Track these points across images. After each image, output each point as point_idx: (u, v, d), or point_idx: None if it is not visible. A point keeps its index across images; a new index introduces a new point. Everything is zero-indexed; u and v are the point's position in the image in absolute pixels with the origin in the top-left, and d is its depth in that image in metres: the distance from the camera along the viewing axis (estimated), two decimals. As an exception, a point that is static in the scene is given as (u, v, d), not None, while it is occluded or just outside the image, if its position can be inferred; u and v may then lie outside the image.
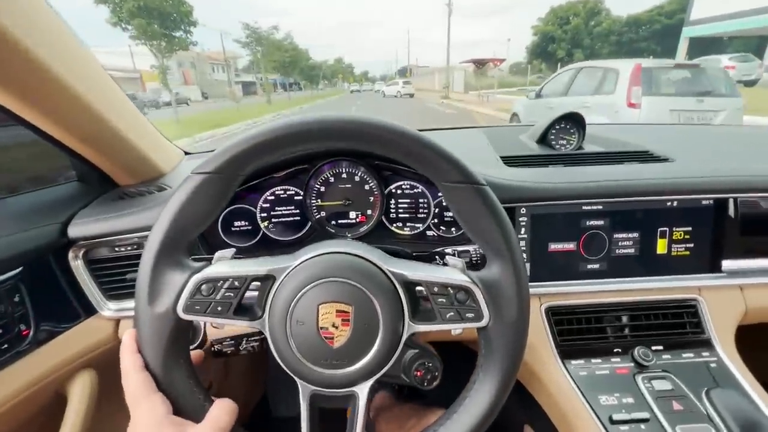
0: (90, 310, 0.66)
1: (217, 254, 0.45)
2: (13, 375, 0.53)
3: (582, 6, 37.42)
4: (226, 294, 0.41)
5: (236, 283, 0.41)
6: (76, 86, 0.56)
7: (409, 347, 0.45)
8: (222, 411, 0.40)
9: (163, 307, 0.40)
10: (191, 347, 0.62)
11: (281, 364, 0.42)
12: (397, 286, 0.42)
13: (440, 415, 0.45)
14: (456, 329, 0.42)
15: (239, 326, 0.43)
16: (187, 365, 0.42)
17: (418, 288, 0.43)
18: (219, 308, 0.41)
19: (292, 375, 0.42)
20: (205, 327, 0.63)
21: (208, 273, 0.41)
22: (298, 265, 0.42)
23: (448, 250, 0.71)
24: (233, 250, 0.46)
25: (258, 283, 0.43)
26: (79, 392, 0.60)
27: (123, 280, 0.67)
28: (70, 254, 0.64)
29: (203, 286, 0.40)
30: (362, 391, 0.43)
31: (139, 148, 0.73)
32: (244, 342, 0.62)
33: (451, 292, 0.42)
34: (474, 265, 0.70)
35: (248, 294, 0.43)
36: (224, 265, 0.43)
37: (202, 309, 0.40)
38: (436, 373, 0.46)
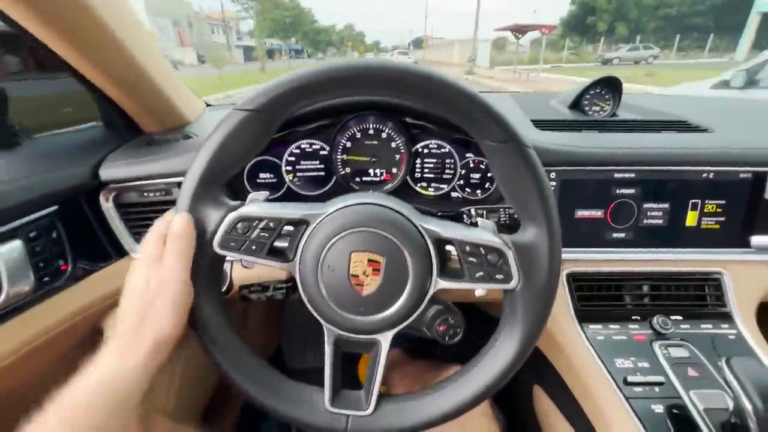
0: (122, 252, 0.67)
1: (251, 196, 0.45)
2: (54, 307, 0.55)
3: (630, -28, 31.88)
4: (261, 234, 0.42)
5: (271, 224, 0.42)
6: (112, 26, 0.56)
7: (434, 303, 0.46)
8: (172, 239, 0.40)
9: (200, 240, 0.41)
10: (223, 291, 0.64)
11: (309, 307, 0.43)
12: (429, 242, 0.42)
13: (458, 370, 0.46)
14: (481, 290, 0.43)
15: (270, 267, 0.44)
16: (216, 301, 0.44)
17: (449, 247, 0.43)
18: (253, 247, 0.42)
19: (319, 318, 0.44)
20: (231, 272, 0.65)
21: (244, 212, 0.42)
22: (333, 212, 0.42)
23: (478, 210, 0.71)
24: (266, 193, 0.47)
25: (291, 228, 0.43)
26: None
27: (151, 225, 0.69)
28: (101, 196, 0.65)
29: (239, 224, 0.41)
30: (385, 339, 0.44)
31: (167, 95, 0.72)
32: (271, 289, 0.64)
33: (483, 252, 0.41)
34: (502, 226, 0.70)
35: (281, 237, 0.43)
36: (259, 206, 0.43)
37: (237, 246, 0.41)
38: (458, 330, 0.47)
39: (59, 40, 0.54)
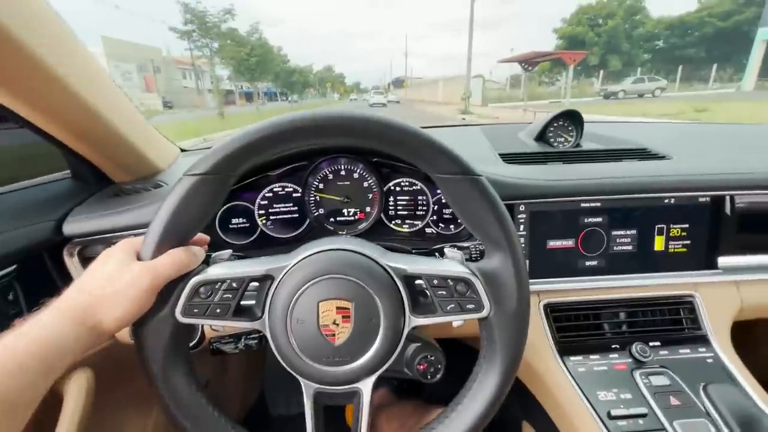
0: None
1: (214, 256, 0.45)
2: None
3: (618, 5, 31.11)
4: (225, 296, 0.41)
5: (234, 285, 0.41)
6: (70, 81, 0.56)
7: (411, 341, 0.45)
8: (166, 259, 0.40)
9: (162, 312, 0.40)
10: (190, 345, 0.62)
11: (283, 363, 0.42)
12: (397, 280, 0.42)
13: (444, 409, 0.45)
14: (457, 321, 0.43)
15: (238, 328, 0.43)
16: (186, 367, 0.42)
17: (418, 282, 0.43)
18: (218, 310, 0.41)
19: (294, 374, 0.42)
20: (202, 326, 0.63)
21: (205, 275, 0.41)
22: (296, 263, 0.42)
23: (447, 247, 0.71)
24: (230, 251, 0.46)
25: (256, 284, 0.43)
26: (75, 391, 0.59)
27: None
28: (65, 252, 0.63)
29: (201, 289, 0.40)
30: (366, 386, 0.43)
31: (135, 145, 0.72)
32: (243, 340, 0.62)
33: (451, 284, 0.42)
34: (473, 260, 0.70)
35: (247, 295, 0.43)
36: (221, 266, 0.43)
37: (200, 312, 0.40)
38: (439, 366, 0.46)
39: (13, 97, 0.52)
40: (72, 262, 0.64)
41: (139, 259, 0.40)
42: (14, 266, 0.55)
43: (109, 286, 0.38)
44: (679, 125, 1.19)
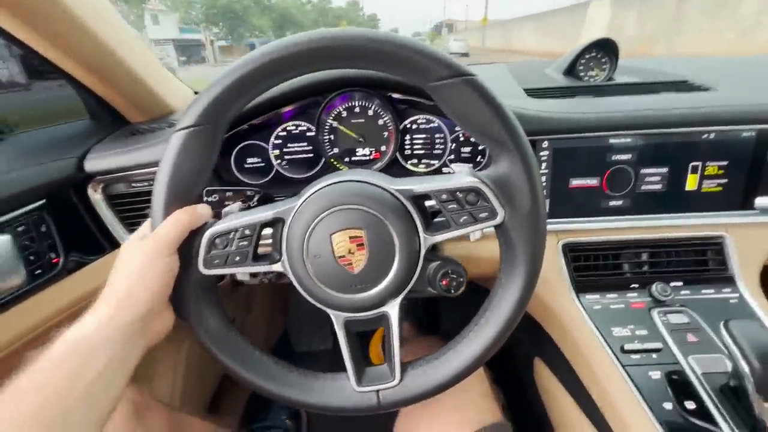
0: (115, 244, 0.68)
1: (225, 210, 0.46)
2: (47, 299, 0.56)
3: None
4: (241, 243, 0.42)
5: (247, 232, 0.42)
6: (87, 19, 0.56)
7: (430, 260, 0.46)
8: (167, 223, 0.40)
9: (185, 267, 0.41)
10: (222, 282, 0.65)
11: (309, 299, 0.43)
12: (405, 202, 0.42)
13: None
14: (473, 233, 0.42)
15: (261, 271, 0.44)
16: (218, 308, 0.45)
17: (428, 202, 0.43)
18: (237, 258, 0.42)
19: (321, 307, 0.44)
20: None
21: (218, 228, 0.42)
22: (303, 202, 0.42)
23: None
24: (239, 204, 0.48)
25: (270, 230, 0.44)
26: None
27: (143, 215, 0.69)
28: (90, 189, 0.65)
29: (217, 240, 0.42)
30: (392, 309, 0.44)
31: (149, 84, 0.71)
32: (262, 272, 0.64)
33: (461, 196, 0.41)
34: None
35: (265, 243, 0.44)
36: (232, 217, 0.43)
37: (221, 262, 0.42)
38: (461, 279, 0.47)
39: (32, 32, 0.54)
40: (97, 199, 0.66)
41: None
42: (43, 201, 0.57)
43: (128, 277, 0.39)
44: (727, 58, 1.07)
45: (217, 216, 0.46)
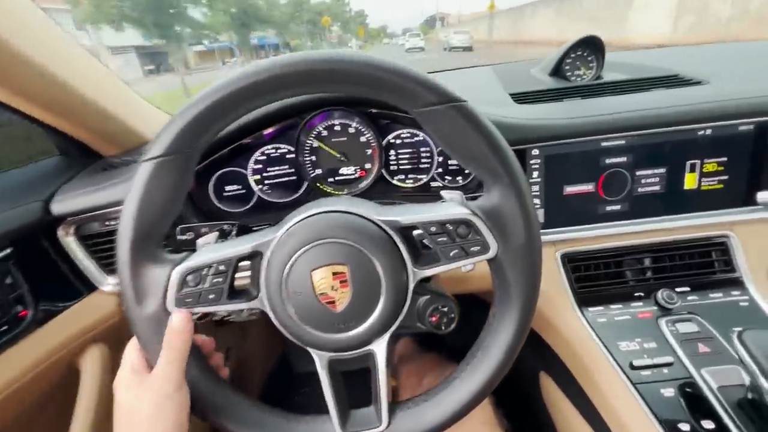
0: (91, 287, 0.64)
1: (200, 241, 0.42)
2: (19, 354, 0.53)
3: None
4: (215, 280, 0.38)
5: (222, 267, 0.39)
6: (30, 51, 0.51)
7: (420, 294, 0.43)
8: (171, 333, 0.37)
9: (153, 307, 0.38)
10: (195, 318, 0.61)
11: (290, 337, 0.40)
12: (392, 234, 0.39)
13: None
14: (465, 266, 0.39)
15: (238, 310, 0.41)
16: (196, 354, 0.41)
17: (416, 232, 0.40)
18: (211, 296, 0.39)
19: (302, 346, 0.41)
20: None
21: (191, 263, 0.38)
22: (283, 234, 0.39)
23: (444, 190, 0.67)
24: (216, 234, 0.44)
25: (249, 263, 0.41)
26: (92, 365, 0.60)
27: None
28: (60, 231, 0.62)
29: (189, 277, 0.38)
30: (379, 347, 0.41)
31: (116, 115, 0.68)
32: (245, 310, 0.61)
33: (450, 228, 0.38)
34: None
35: (244, 275, 0.41)
36: (207, 251, 0.40)
37: (194, 300, 0.38)
38: (452, 315, 0.44)
39: None
40: (68, 242, 0.63)
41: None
42: (8, 250, 0.54)
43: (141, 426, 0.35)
44: (716, 46, 1.05)
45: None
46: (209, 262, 0.38)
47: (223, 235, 0.48)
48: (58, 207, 0.60)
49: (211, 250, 0.40)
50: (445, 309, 0.43)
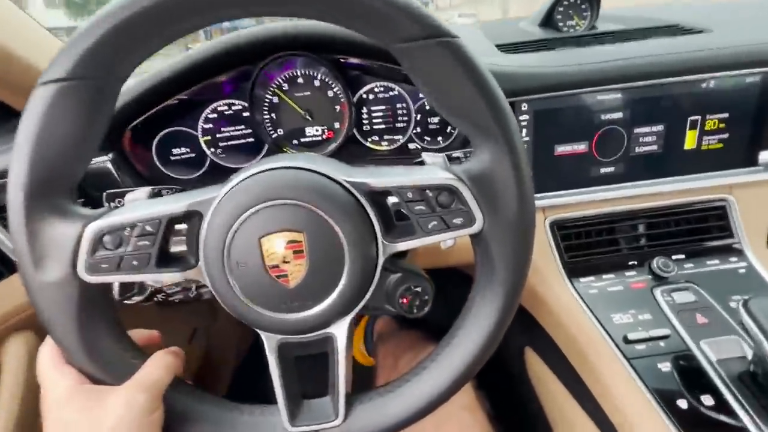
0: (12, 267, 0.55)
1: (128, 196, 0.34)
2: None
3: None
4: (140, 243, 0.31)
5: (149, 228, 0.31)
6: None
7: (390, 271, 0.36)
8: (154, 365, 0.33)
9: (58, 272, 0.30)
10: (139, 299, 0.53)
11: (234, 315, 0.34)
12: (360, 198, 0.32)
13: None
14: (445, 241, 0.33)
15: (168, 279, 0.33)
16: (116, 336, 0.34)
17: (391, 199, 0.33)
18: (134, 262, 0.31)
19: (250, 326, 0.34)
20: None
21: (109, 221, 0.31)
22: (227, 193, 0.31)
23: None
24: (149, 189, 0.35)
25: (185, 226, 0.33)
26: (15, 355, 0.52)
27: None
28: None
29: (106, 238, 0.31)
30: (339, 330, 0.35)
31: (23, 56, 0.57)
32: (193, 287, 0.53)
33: (431, 195, 0.31)
34: None
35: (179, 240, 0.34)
36: (132, 208, 0.32)
37: (112, 266, 0.31)
38: (426, 297, 0.38)
39: None
40: None
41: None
42: None
43: None
44: (718, 2, 0.99)
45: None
46: (133, 220, 0.31)
47: (158, 195, 0.40)
48: None
49: (137, 207, 0.32)
50: (419, 289, 0.37)
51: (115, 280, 0.33)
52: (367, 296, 0.34)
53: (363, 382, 0.81)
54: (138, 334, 0.39)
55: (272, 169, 0.32)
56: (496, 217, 0.32)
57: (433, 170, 0.32)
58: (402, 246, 0.33)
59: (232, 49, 0.52)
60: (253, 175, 0.32)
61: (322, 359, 0.37)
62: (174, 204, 0.32)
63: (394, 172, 0.33)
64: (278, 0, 0.29)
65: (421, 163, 0.36)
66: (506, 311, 0.34)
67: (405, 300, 0.38)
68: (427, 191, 0.31)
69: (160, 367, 0.33)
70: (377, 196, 0.33)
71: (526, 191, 0.32)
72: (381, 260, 0.33)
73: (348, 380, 0.36)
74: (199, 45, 0.33)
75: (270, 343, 0.35)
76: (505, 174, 0.31)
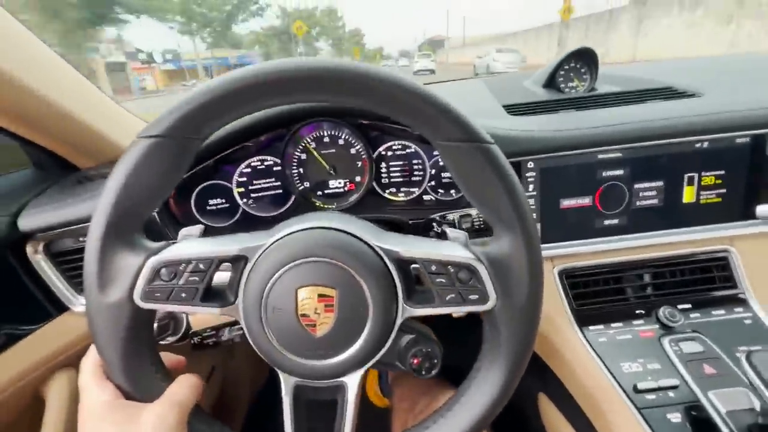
0: (62, 307, 0.60)
1: (183, 231, 0.39)
2: None
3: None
4: (191, 278, 0.35)
5: (201, 266, 0.35)
6: (6, 64, 0.49)
7: (405, 332, 0.40)
8: (180, 386, 0.36)
9: (117, 295, 0.34)
10: (172, 340, 0.57)
11: (259, 353, 0.37)
12: (389, 264, 0.36)
13: (449, 398, 0.40)
14: (457, 312, 0.37)
15: (210, 314, 0.37)
16: (152, 358, 0.37)
17: (414, 266, 0.37)
18: (183, 294, 0.35)
19: (271, 365, 0.38)
20: (187, 318, 0.58)
21: (168, 255, 0.35)
22: (273, 243, 0.36)
23: (449, 216, 0.64)
24: (201, 227, 0.40)
25: (230, 265, 0.37)
26: (58, 393, 0.56)
27: None
28: (29, 248, 0.58)
29: (163, 270, 0.35)
30: (352, 380, 0.38)
31: (94, 126, 0.64)
32: (226, 332, 0.57)
33: (452, 270, 0.35)
34: (478, 231, 0.63)
35: (223, 277, 0.37)
36: (189, 245, 0.36)
37: (163, 296, 0.35)
38: (435, 360, 0.41)
39: None
40: (38, 259, 0.59)
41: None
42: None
43: None
44: (709, 59, 1.06)
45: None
46: (189, 257, 0.35)
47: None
48: (26, 222, 0.56)
49: (194, 244, 0.37)
50: (429, 351, 0.40)
51: (164, 308, 0.36)
52: (382, 352, 0.37)
53: (378, 424, 0.82)
54: (166, 357, 0.41)
55: (314, 228, 0.36)
56: (507, 299, 0.35)
57: (455, 247, 0.36)
58: (420, 312, 0.37)
59: (272, 117, 0.59)
60: (298, 231, 0.36)
61: (333, 407, 0.39)
62: (227, 246, 0.36)
63: (421, 245, 0.37)
64: (352, 92, 0.33)
65: (443, 234, 0.41)
66: (508, 384, 0.37)
67: (416, 360, 0.41)
68: (450, 267, 0.35)
69: (186, 386, 0.36)
70: (404, 263, 0.37)
71: (538, 280, 0.36)
72: (399, 321, 0.37)
73: (353, 429, 0.38)
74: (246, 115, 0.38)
75: (287, 384, 0.38)
76: (521, 262, 0.35)
